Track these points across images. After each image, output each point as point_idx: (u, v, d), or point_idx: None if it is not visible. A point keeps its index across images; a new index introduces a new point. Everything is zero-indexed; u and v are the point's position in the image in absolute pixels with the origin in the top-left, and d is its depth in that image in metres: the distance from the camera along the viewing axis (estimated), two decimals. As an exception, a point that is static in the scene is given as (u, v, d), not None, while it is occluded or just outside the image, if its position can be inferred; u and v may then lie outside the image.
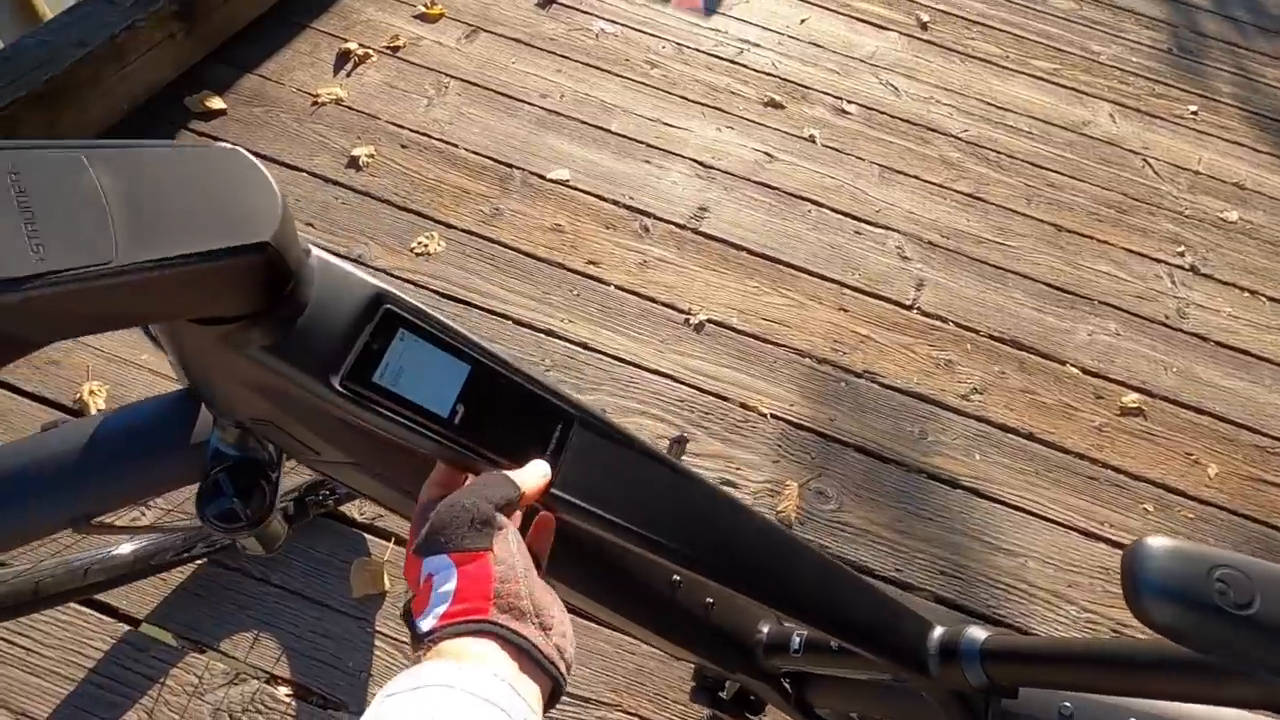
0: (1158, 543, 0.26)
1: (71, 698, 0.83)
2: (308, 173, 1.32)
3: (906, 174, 1.59)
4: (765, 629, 0.64)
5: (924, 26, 1.93)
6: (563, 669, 0.32)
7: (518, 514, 0.33)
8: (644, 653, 0.95)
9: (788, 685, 0.67)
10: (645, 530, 0.35)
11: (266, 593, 0.92)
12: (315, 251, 0.30)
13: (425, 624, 0.31)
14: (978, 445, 1.22)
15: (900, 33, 1.90)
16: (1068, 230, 1.57)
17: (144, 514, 0.92)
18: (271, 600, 0.92)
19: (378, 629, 0.92)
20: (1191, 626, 0.24)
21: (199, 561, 0.92)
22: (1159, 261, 1.55)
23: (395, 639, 0.92)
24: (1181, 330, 1.45)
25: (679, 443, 0.77)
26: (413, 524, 0.33)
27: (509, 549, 0.31)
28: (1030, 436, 1.25)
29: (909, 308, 1.37)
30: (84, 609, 0.88)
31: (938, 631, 0.45)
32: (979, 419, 1.25)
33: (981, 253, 1.48)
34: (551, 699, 0.32)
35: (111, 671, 0.85)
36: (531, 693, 0.30)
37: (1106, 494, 1.21)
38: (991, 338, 1.36)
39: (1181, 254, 1.58)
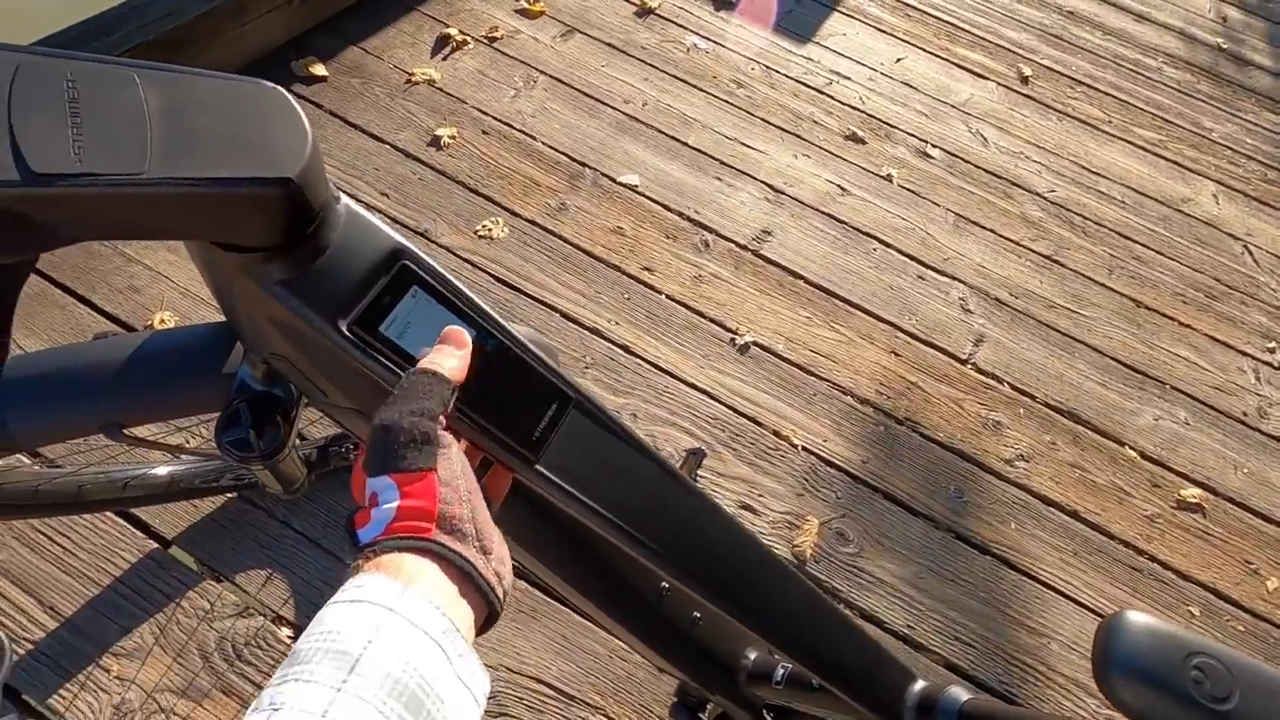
0: (1138, 619, 0.24)
1: (96, 600, 0.88)
2: (391, 146, 1.37)
3: (982, 226, 1.54)
4: (752, 656, 0.63)
5: (1025, 80, 1.87)
6: (500, 594, 0.31)
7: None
8: (636, 662, 0.95)
9: (770, 718, 0.66)
10: (621, 520, 0.35)
11: (286, 536, 0.96)
12: (345, 200, 0.32)
13: (366, 535, 0.30)
14: (1015, 514, 1.17)
15: (999, 83, 1.85)
16: (1148, 308, 1.49)
17: (188, 441, 0.97)
18: (289, 544, 0.96)
19: (382, 590, 0.94)
20: (1159, 713, 0.22)
21: (230, 495, 0.96)
22: (1245, 355, 1.46)
23: (396, 602, 0.94)
24: (1260, 430, 1.35)
25: (695, 455, 0.77)
26: (367, 439, 0.34)
27: (453, 470, 0.31)
28: (1074, 514, 1.19)
29: (963, 362, 1.33)
30: (121, 521, 0.93)
31: (918, 685, 0.43)
32: (1021, 487, 1.20)
33: (1050, 317, 1.43)
34: (485, 625, 0.32)
35: (135, 584, 0.90)
36: (466, 619, 0.29)
37: (1149, 588, 1.14)
38: (1047, 406, 1.30)
39: (1272, 350, 1.48)
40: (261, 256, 0.30)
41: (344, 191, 1.26)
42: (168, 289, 1.13)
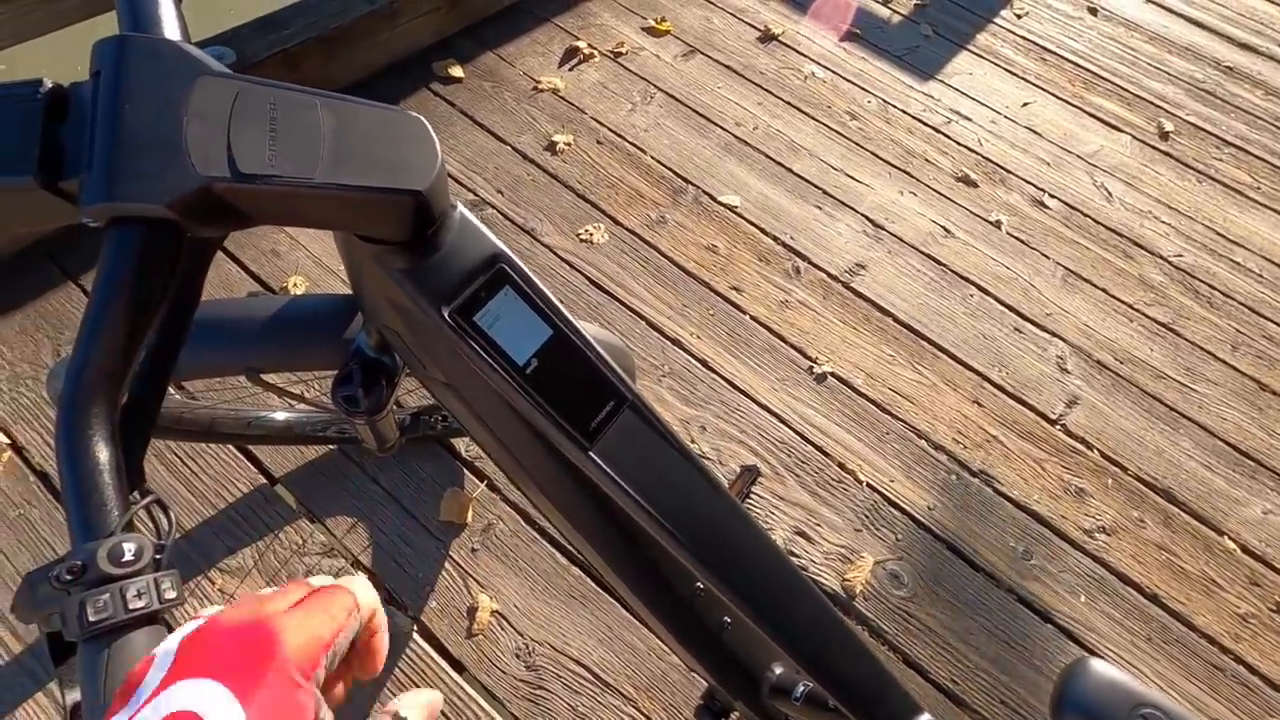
0: (1098, 665, 0.26)
1: (210, 520, 1.01)
2: (511, 147, 1.47)
3: (1094, 284, 1.48)
4: (778, 670, 0.65)
5: (1164, 136, 1.77)
6: None
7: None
8: (672, 663, 0.98)
9: (789, 737, 0.68)
10: (656, 511, 0.39)
11: (374, 491, 1.06)
12: (460, 208, 0.38)
13: None
14: (1087, 587, 1.12)
15: (1134, 137, 1.76)
16: (1273, 392, 1.38)
17: (305, 392, 1.09)
18: (375, 498, 1.06)
19: (449, 554, 1.02)
20: (1103, 752, 0.24)
21: (332, 446, 1.07)
22: (1385, 457, 1.32)
23: (461, 566, 1.01)
24: (1390, 542, 1.22)
25: (749, 471, 0.78)
26: None
27: None
28: (1154, 598, 1.12)
29: (1052, 422, 1.28)
30: (239, 455, 1.06)
31: (924, 718, 0.45)
32: (1098, 560, 1.14)
33: (1157, 388, 1.35)
34: None
35: (243, 511, 1.02)
36: None
37: (1229, 691, 1.06)
38: (1140, 480, 1.23)
39: None
40: (390, 248, 0.37)
41: (464, 186, 1.36)
42: (303, 257, 1.27)
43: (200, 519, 1.01)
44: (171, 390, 1.09)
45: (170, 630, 0.24)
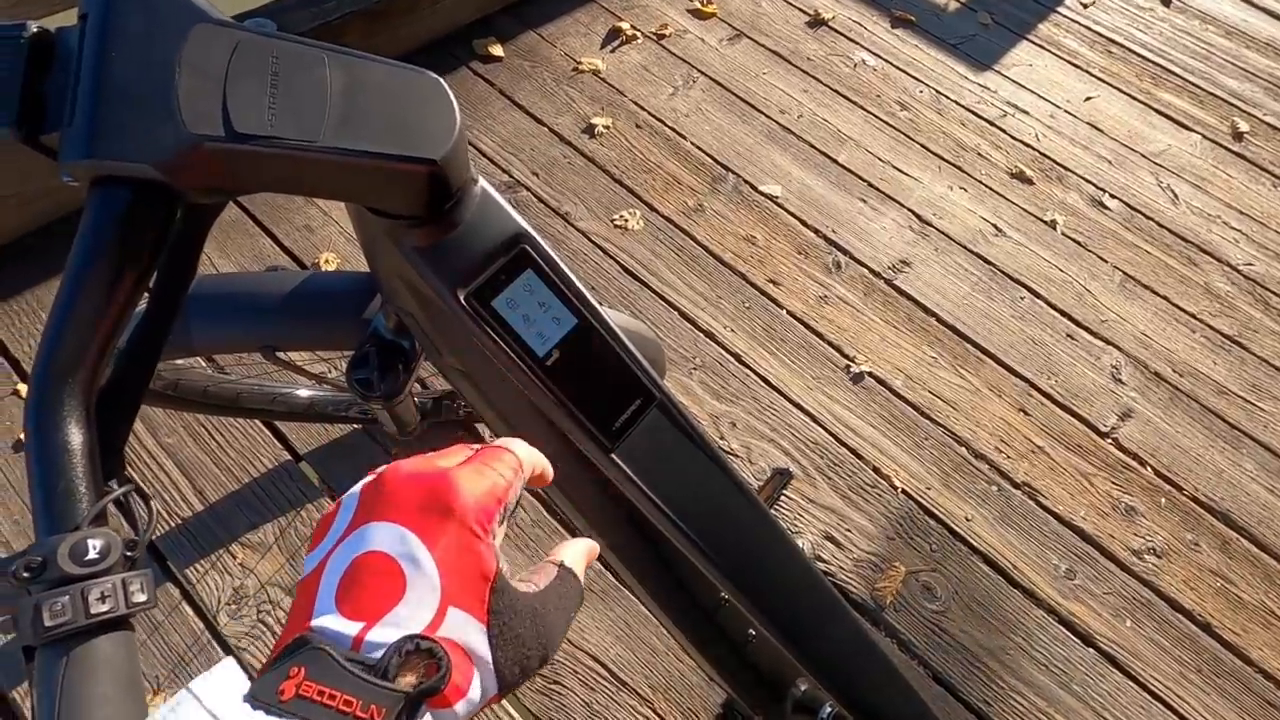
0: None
1: (234, 494, 1.01)
2: (549, 128, 1.44)
3: (1154, 291, 1.39)
4: (803, 687, 0.62)
5: (1238, 136, 1.66)
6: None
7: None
8: (690, 665, 0.95)
9: (810, 755, 0.65)
10: (682, 521, 0.36)
11: (395, 473, 1.05)
12: (481, 182, 0.35)
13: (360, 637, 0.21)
14: (1133, 611, 1.06)
15: (1205, 136, 1.66)
16: (1348, 413, 1.29)
17: (329, 371, 1.08)
18: (396, 481, 1.04)
19: (468, 540, 1.01)
20: None
21: (355, 426, 1.06)
22: None
23: (479, 555, 1.00)
24: None
25: (781, 474, 0.75)
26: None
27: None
28: (1206, 627, 1.06)
29: (1103, 435, 1.21)
30: (266, 430, 1.06)
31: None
32: (1146, 583, 1.08)
33: (1219, 404, 1.27)
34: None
35: (267, 487, 1.02)
36: None
37: (1284, 730, 0.99)
38: (1196, 501, 1.16)
39: None
40: (404, 224, 0.34)
41: (499, 166, 1.33)
42: (336, 233, 1.26)
43: (225, 492, 1.01)
44: (200, 362, 1.09)
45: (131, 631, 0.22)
